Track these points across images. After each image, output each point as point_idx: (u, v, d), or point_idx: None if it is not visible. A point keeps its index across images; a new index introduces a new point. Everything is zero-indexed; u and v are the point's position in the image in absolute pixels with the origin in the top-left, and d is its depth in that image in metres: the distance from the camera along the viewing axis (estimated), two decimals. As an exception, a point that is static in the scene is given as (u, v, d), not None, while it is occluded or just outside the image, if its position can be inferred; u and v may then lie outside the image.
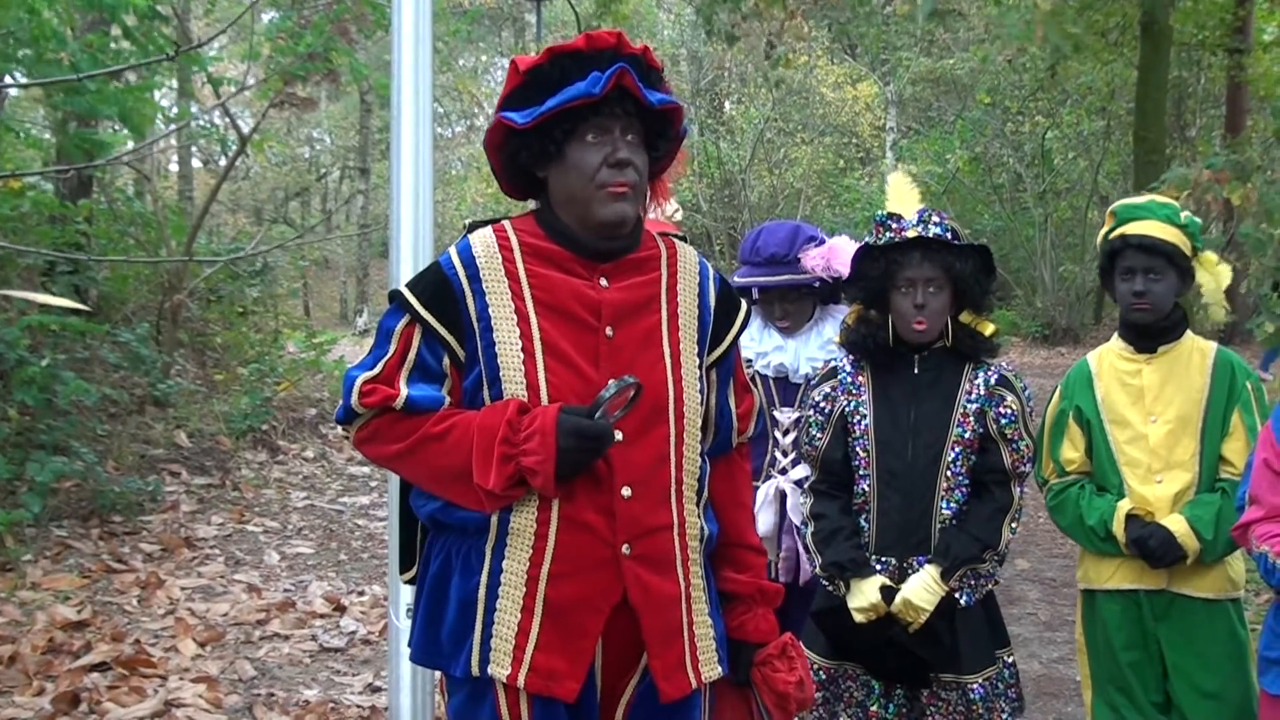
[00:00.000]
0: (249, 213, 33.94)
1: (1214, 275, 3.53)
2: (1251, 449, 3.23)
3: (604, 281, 2.45)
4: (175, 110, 12.74)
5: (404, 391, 2.38)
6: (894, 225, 3.30)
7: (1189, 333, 3.54)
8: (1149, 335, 3.53)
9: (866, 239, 3.40)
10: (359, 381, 2.39)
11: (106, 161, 8.75)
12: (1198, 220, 3.52)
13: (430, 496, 2.45)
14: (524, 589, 2.36)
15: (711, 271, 2.64)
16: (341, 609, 6.42)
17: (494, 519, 2.37)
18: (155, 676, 5.26)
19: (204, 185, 22.35)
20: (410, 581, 2.64)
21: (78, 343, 8.42)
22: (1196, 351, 3.50)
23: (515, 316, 2.39)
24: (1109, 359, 3.63)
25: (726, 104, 29.13)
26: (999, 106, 23.49)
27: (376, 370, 2.40)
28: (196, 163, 27.87)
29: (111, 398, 8.49)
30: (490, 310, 2.39)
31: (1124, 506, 3.50)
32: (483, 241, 2.46)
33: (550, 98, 2.34)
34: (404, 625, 2.69)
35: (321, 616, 6.31)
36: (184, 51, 7.63)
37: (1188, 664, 3.46)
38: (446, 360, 2.41)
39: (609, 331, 2.43)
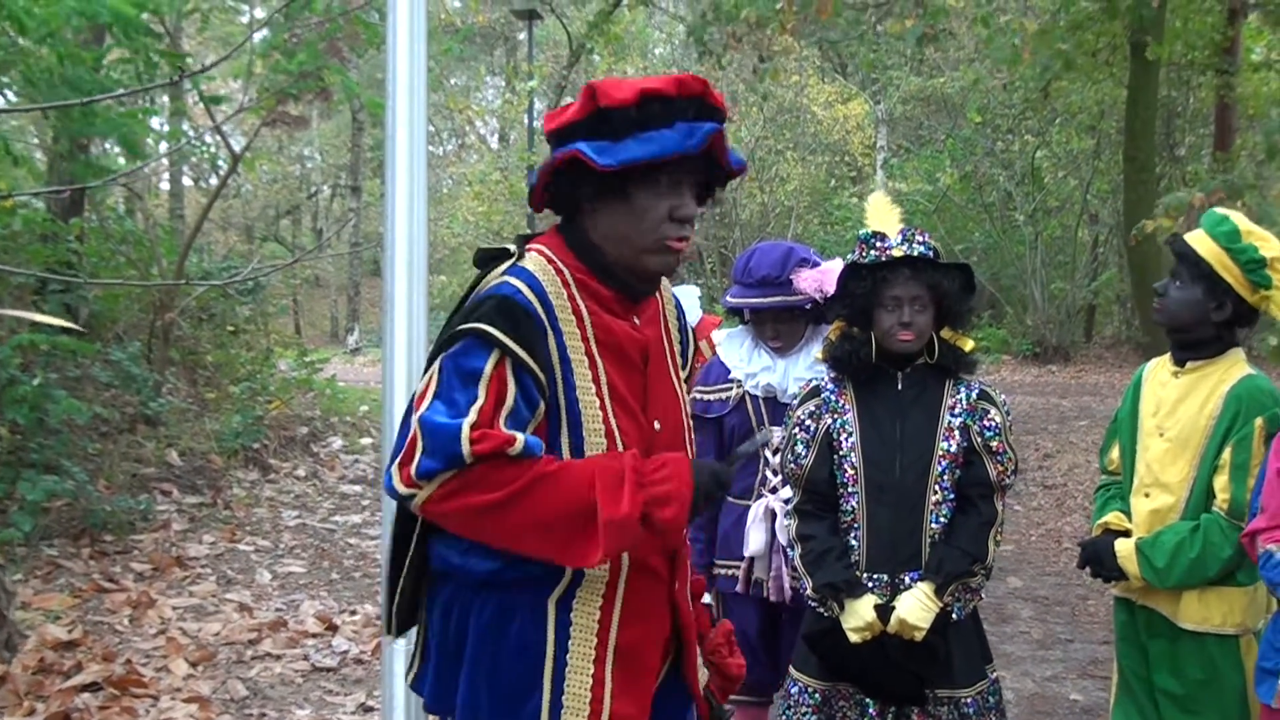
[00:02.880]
0: (240, 231, 33.93)
1: None
2: (1245, 477, 3.24)
3: (637, 320, 2.44)
4: (167, 129, 12.71)
5: (519, 436, 2.21)
6: (879, 244, 3.33)
7: (1233, 354, 3.42)
8: (1182, 346, 3.46)
9: (851, 257, 3.42)
10: (467, 429, 2.18)
11: (102, 182, 8.74)
12: (1256, 251, 3.33)
13: (490, 555, 2.30)
14: (595, 639, 2.32)
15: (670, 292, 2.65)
16: (334, 628, 6.40)
17: (568, 571, 2.30)
18: (147, 696, 5.24)
19: (195, 203, 22.33)
20: (398, 634, 2.55)
21: (69, 361, 8.40)
22: (1225, 376, 3.38)
23: (586, 359, 2.32)
24: (1158, 366, 3.58)
25: (717, 123, 29.18)
26: (989, 125, 23.55)
27: (473, 416, 2.20)
28: (187, 181, 27.85)
29: (103, 416, 8.47)
30: (568, 350, 2.30)
31: (1105, 518, 3.54)
32: (545, 273, 2.33)
33: (629, 136, 2.25)
34: (398, 645, 2.68)
35: (313, 636, 6.30)
36: (189, 76, 7.62)
37: (1170, 687, 3.45)
38: (542, 404, 2.29)
39: (647, 372, 2.42)
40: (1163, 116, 21.44)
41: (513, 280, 2.29)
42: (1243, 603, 3.36)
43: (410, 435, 2.24)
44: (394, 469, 2.24)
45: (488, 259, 2.41)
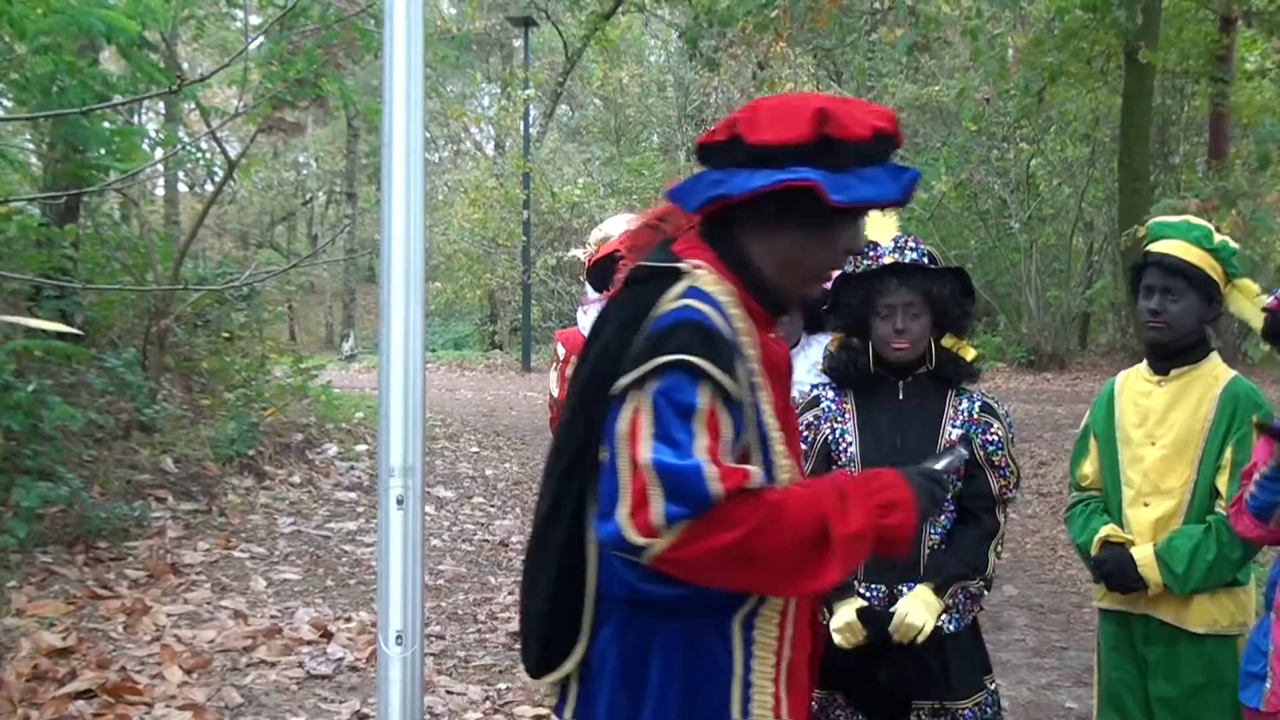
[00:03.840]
0: (235, 237, 33.94)
1: (1254, 304, 3.44)
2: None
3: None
4: (162, 136, 12.71)
5: (752, 469, 2.12)
6: (870, 253, 3.33)
7: (1213, 358, 3.51)
8: (1165, 356, 3.52)
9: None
10: (710, 468, 2.05)
11: (97, 189, 8.75)
12: (1232, 245, 3.47)
13: (678, 580, 2.16)
14: (773, 658, 2.28)
15: None
16: (329, 635, 6.39)
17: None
18: (141, 704, 5.23)
19: (190, 209, 22.35)
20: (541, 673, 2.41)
21: (64, 367, 8.40)
22: (1212, 379, 3.46)
23: (763, 381, 2.26)
24: (1132, 378, 3.63)
25: (713, 130, 29.22)
26: (984, 133, 23.60)
27: (705, 455, 2.07)
28: (183, 187, 27.88)
29: (97, 423, 8.46)
30: (753, 374, 2.23)
31: (1103, 532, 3.54)
32: (723, 293, 2.22)
33: (850, 171, 2.18)
34: (392, 652, 2.66)
35: (308, 643, 6.28)
36: (187, 85, 7.63)
37: (1168, 694, 3.47)
38: (746, 432, 2.20)
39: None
40: (1157, 125, 21.48)
41: (698, 305, 2.17)
42: (1244, 602, 3.44)
43: (637, 481, 2.08)
44: (623, 518, 2.07)
45: (649, 275, 2.27)
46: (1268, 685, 3.04)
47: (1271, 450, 2.97)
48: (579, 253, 4.76)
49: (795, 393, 3.83)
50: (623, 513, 2.07)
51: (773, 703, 2.27)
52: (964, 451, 2.44)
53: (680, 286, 2.20)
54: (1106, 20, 11.95)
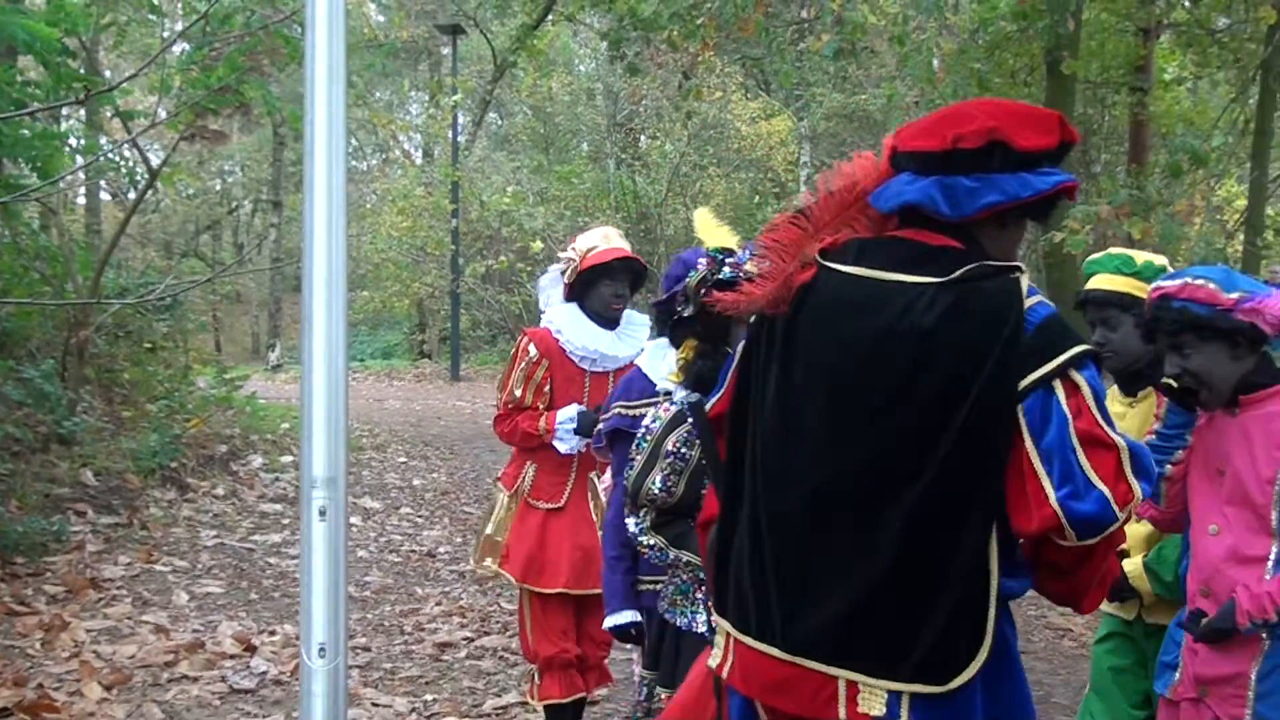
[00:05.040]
0: (159, 246, 33.45)
1: None
2: None
3: None
4: (82, 143, 12.50)
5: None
6: (730, 260, 3.32)
7: None
8: (1127, 380, 3.66)
9: (697, 274, 3.42)
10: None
11: (13, 198, 8.58)
12: (1156, 263, 3.57)
13: (1022, 573, 2.36)
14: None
15: None
16: (252, 649, 6.31)
17: None
18: (59, 722, 5.13)
19: (113, 219, 21.97)
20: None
21: (-21, 379, 8.24)
22: None
23: None
24: (1110, 399, 3.72)
25: (642, 138, 29.27)
26: (910, 143, 23.82)
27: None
28: (105, 195, 27.44)
29: (14, 435, 8.31)
30: None
31: None
32: None
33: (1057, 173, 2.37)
34: (315, 665, 2.63)
35: (232, 657, 6.20)
36: (96, 95, 7.50)
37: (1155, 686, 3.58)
38: None
39: None
40: (1079, 134, 21.79)
41: (1047, 301, 2.33)
42: None
43: (1109, 460, 2.21)
44: (1109, 495, 2.19)
45: (991, 272, 2.33)
46: (1176, 675, 3.15)
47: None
48: (561, 261, 4.79)
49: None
50: (1107, 490, 2.19)
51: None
52: None
53: (1025, 283, 2.31)
54: (1032, 30, 12.10)
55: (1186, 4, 17.20)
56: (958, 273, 2.29)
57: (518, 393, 4.74)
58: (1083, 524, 2.18)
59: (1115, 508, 2.18)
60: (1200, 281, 3.01)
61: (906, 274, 2.33)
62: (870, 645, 2.29)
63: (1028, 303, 2.27)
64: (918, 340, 2.26)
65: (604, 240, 4.72)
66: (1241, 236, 14.90)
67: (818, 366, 2.39)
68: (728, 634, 2.52)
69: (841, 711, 2.30)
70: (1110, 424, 2.22)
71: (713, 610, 2.66)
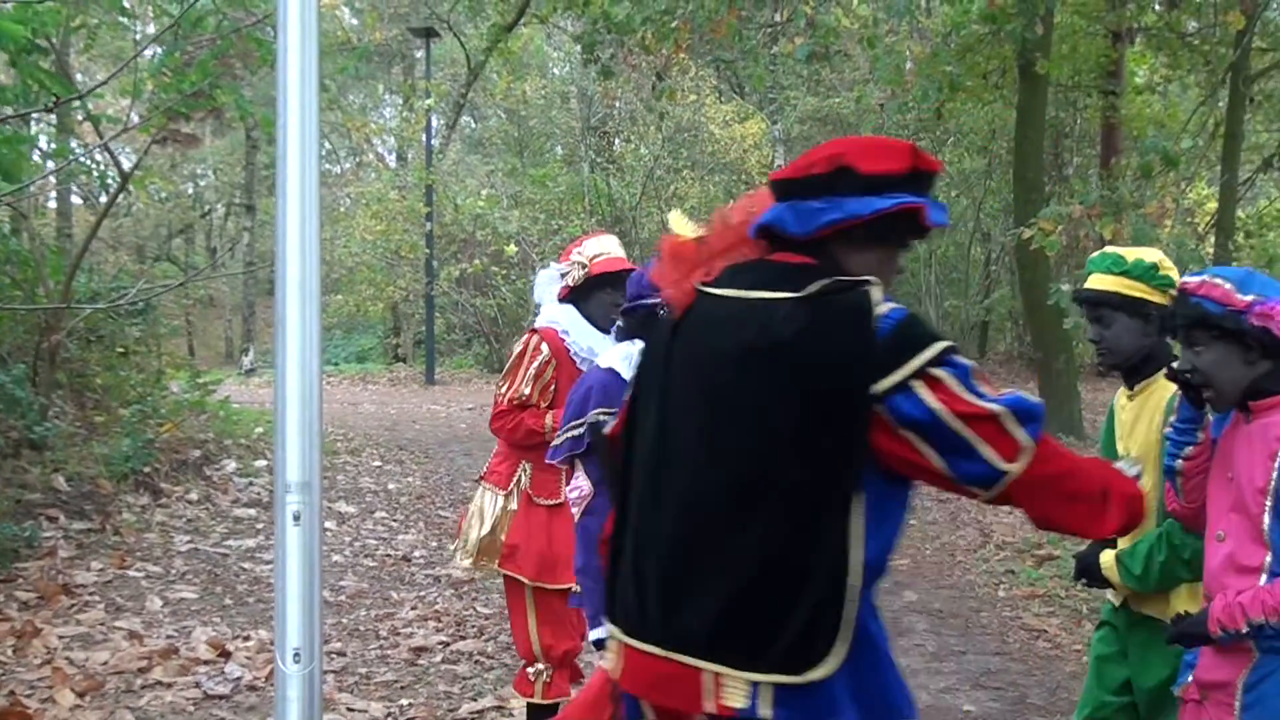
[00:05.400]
0: (131, 250, 33.26)
1: None
2: None
3: None
4: (53, 147, 12.42)
5: None
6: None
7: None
8: (1127, 374, 3.76)
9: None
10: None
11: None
12: (1146, 260, 3.67)
13: (886, 555, 2.45)
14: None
15: None
16: (227, 655, 6.28)
17: None
18: (31, 729, 5.10)
19: (84, 222, 21.86)
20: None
21: (-50, 385, 8.18)
22: (1165, 389, 3.62)
23: None
24: (1119, 395, 3.89)
25: (616, 141, 29.30)
26: (883, 145, 23.88)
27: None
28: (76, 199, 27.28)
29: (-14, 441, 8.25)
30: None
31: None
32: None
33: (927, 198, 2.54)
34: (290, 670, 2.62)
35: (206, 663, 6.17)
36: (65, 102, 7.46)
37: (1142, 685, 3.70)
38: None
39: None
40: (1051, 137, 21.93)
41: (898, 304, 2.44)
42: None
43: (987, 427, 2.35)
44: (989, 455, 2.35)
45: (844, 287, 2.45)
46: (1190, 676, 3.17)
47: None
48: (555, 267, 4.92)
49: None
50: (991, 451, 2.35)
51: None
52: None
53: (877, 293, 2.43)
54: (1004, 33, 12.17)
55: (1157, 7, 17.31)
56: (811, 287, 2.43)
57: (526, 390, 4.82)
58: (975, 478, 2.38)
59: (1003, 463, 2.35)
60: (1218, 280, 3.03)
61: (767, 291, 2.48)
62: (737, 640, 2.41)
63: (880, 310, 2.39)
64: (776, 352, 2.41)
65: (613, 248, 4.90)
66: (1213, 239, 15.01)
67: (692, 383, 2.54)
68: (618, 639, 2.63)
69: (709, 704, 2.42)
70: (980, 395, 2.36)
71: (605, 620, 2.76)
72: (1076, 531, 2.60)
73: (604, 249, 4.87)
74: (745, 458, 2.43)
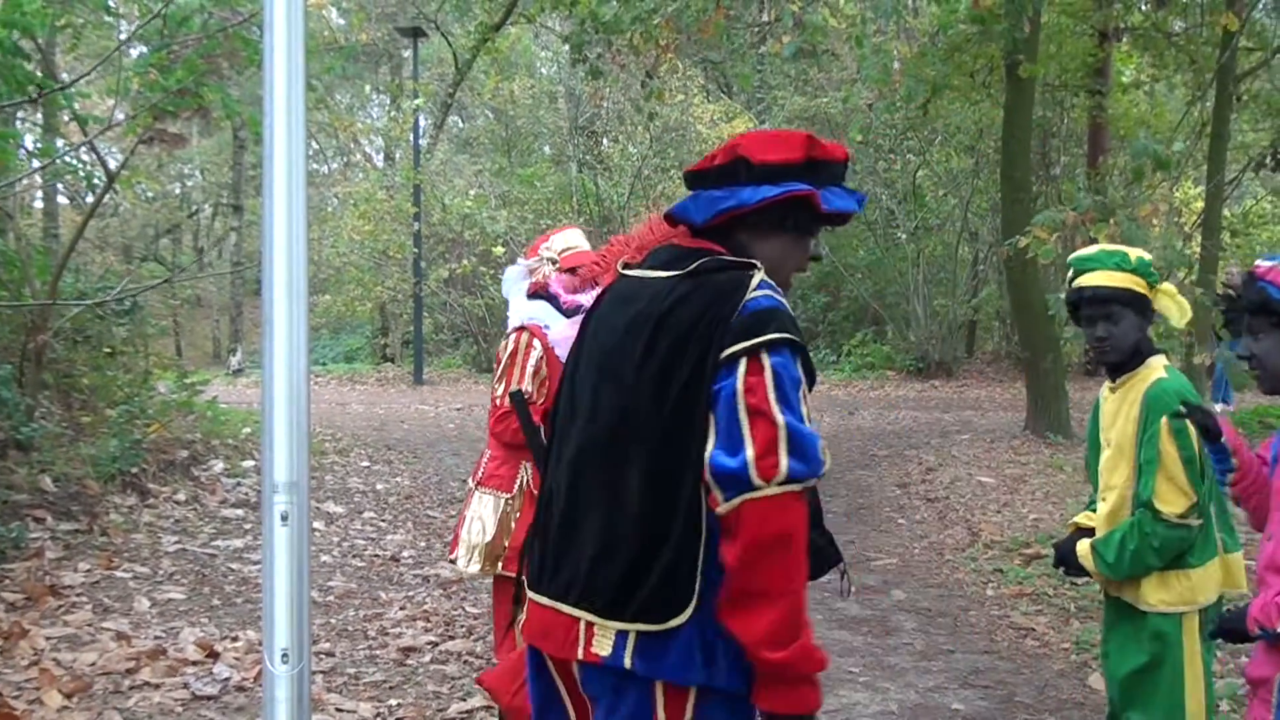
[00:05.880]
0: (118, 250, 33.17)
1: (1177, 304, 3.79)
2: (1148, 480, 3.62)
3: None
4: (39, 146, 12.38)
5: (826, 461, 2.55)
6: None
7: (1150, 362, 3.80)
8: (1114, 367, 3.85)
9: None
10: (824, 445, 2.48)
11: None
12: (1147, 259, 3.79)
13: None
14: None
15: None
16: (215, 655, 6.26)
17: None
18: (18, 730, 5.08)
19: (70, 222, 21.77)
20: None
21: (-64, 385, 8.14)
22: (1144, 382, 3.74)
23: None
24: (1105, 385, 3.98)
25: (604, 141, 29.29)
26: (871, 145, 23.94)
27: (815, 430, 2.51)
28: (63, 199, 27.18)
29: (-28, 442, 8.22)
30: None
31: (1076, 520, 4.06)
32: None
33: (827, 188, 2.64)
34: (278, 670, 2.62)
35: (194, 664, 6.15)
36: (49, 95, 7.43)
37: (1118, 672, 3.81)
38: None
39: None
40: (1038, 136, 21.98)
41: (776, 295, 2.54)
42: (1193, 582, 3.69)
43: (766, 431, 2.39)
44: (752, 458, 2.37)
45: (723, 267, 2.60)
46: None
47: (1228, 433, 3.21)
48: (523, 262, 4.99)
49: None
50: (752, 454, 2.38)
51: None
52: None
53: (757, 278, 2.55)
54: (991, 33, 12.19)
55: (1144, 6, 17.36)
56: (693, 265, 2.60)
57: (529, 388, 4.83)
58: (723, 477, 2.40)
59: (754, 473, 2.37)
60: None
61: (665, 271, 2.67)
62: (608, 591, 2.53)
63: (754, 294, 2.51)
64: (656, 321, 2.57)
65: (580, 242, 4.98)
66: (1199, 238, 15.04)
67: (594, 351, 2.72)
68: (526, 593, 2.79)
69: (580, 652, 2.55)
70: (785, 406, 2.41)
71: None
72: (732, 610, 2.45)
73: (571, 243, 4.96)
74: (616, 413, 2.59)
